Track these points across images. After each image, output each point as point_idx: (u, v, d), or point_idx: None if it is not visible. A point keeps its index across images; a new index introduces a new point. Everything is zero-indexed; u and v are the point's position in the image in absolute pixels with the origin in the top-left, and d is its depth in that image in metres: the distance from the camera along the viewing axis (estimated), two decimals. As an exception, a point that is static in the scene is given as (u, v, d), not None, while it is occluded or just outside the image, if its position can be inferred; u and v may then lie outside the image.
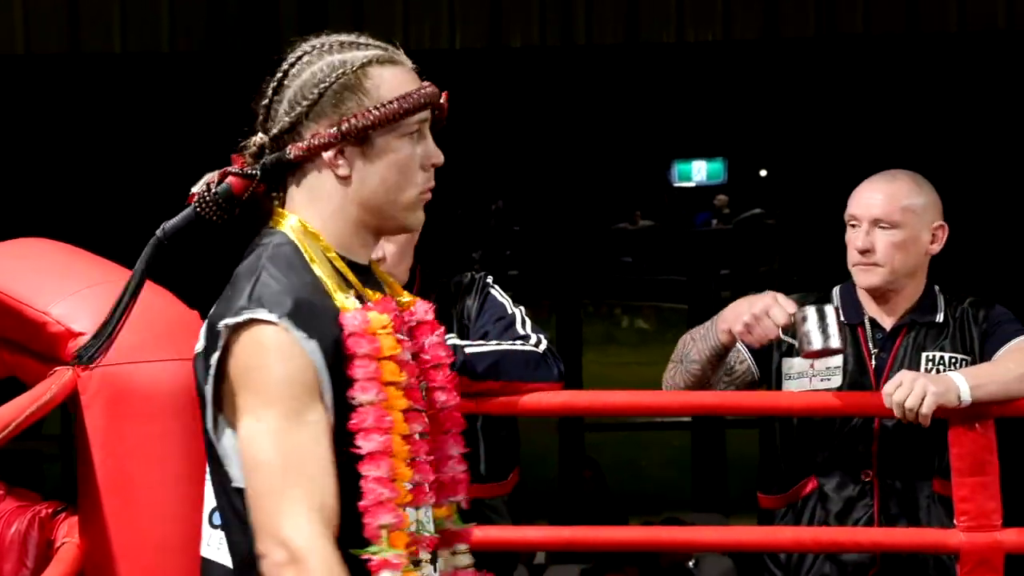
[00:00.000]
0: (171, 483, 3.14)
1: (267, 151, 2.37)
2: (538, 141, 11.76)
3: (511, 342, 3.36)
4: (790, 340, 3.39)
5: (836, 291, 3.69)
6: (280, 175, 2.37)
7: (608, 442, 13.22)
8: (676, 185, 12.44)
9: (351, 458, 2.26)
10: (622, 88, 11.00)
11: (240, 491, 2.26)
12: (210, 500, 2.44)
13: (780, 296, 3.39)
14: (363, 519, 2.25)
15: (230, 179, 2.36)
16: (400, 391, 2.31)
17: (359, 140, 2.35)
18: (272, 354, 2.23)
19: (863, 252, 3.56)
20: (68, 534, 3.22)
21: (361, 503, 2.25)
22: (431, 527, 2.36)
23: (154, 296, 3.24)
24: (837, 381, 3.54)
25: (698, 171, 12.38)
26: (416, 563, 2.30)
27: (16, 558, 3.22)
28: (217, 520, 2.42)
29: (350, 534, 2.24)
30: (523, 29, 10.54)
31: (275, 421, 2.22)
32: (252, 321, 2.24)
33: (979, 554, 3.30)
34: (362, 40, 2.41)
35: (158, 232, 2.37)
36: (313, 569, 2.17)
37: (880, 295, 3.59)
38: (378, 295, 2.39)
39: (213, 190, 2.36)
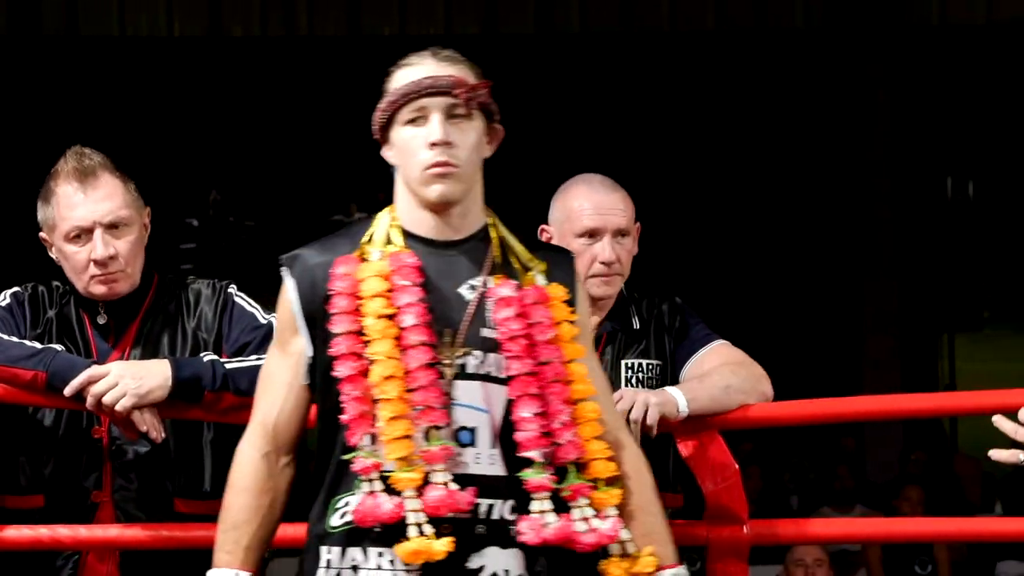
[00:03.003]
0: None
1: None
2: (259, 131, 11.66)
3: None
4: None
5: None
6: None
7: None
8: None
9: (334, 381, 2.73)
10: (344, 80, 10.98)
11: None
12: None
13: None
14: (347, 431, 2.71)
15: None
16: (393, 325, 2.70)
17: (382, 134, 2.79)
18: (280, 295, 2.80)
19: (610, 264, 3.60)
20: None
21: (343, 417, 2.71)
22: (444, 442, 2.69)
23: None
24: None
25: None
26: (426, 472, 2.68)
27: None
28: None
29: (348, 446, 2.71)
30: (244, 19, 10.44)
31: (270, 350, 2.86)
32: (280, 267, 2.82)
33: (725, 545, 3.43)
34: (431, 49, 2.81)
35: None
36: (233, 464, 2.82)
37: (593, 302, 3.61)
38: (406, 250, 2.75)
39: None
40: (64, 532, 3.24)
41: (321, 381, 2.76)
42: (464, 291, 2.77)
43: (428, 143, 2.73)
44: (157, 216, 3.39)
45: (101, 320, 3.33)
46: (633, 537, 2.81)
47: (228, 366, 3.18)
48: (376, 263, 2.75)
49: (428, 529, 2.66)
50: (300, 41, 10.48)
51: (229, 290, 3.38)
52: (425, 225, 2.79)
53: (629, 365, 3.58)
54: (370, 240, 2.78)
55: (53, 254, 3.35)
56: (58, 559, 3.30)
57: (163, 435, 3.18)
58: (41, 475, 3.32)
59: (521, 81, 11.41)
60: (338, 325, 2.72)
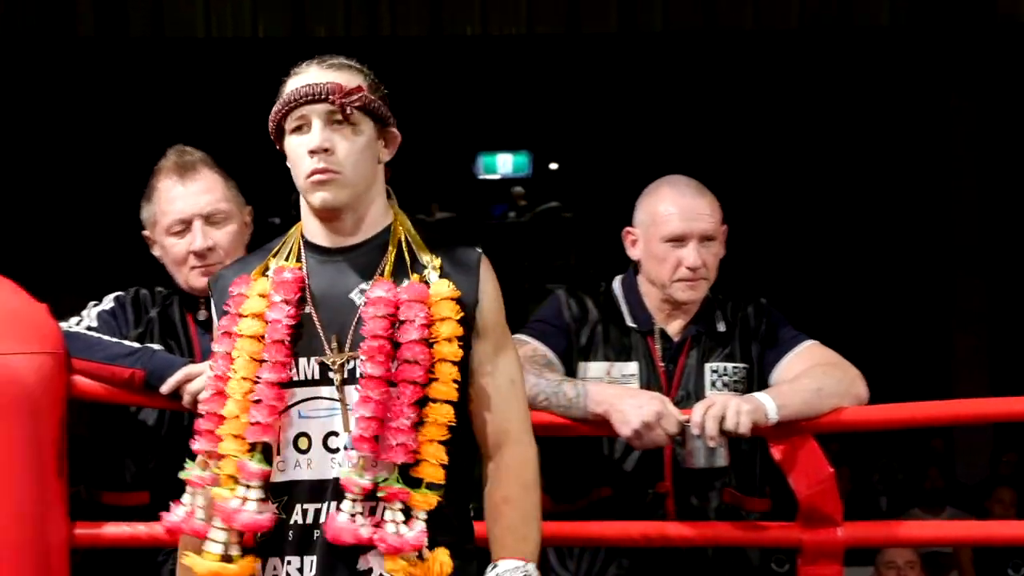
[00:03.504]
0: (19, 478, 3.06)
1: None
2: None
3: None
4: (679, 448, 3.38)
5: (618, 291, 3.62)
6: None
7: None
8: (481, 177, 12.48)
9: None
10: (427, 80, 11.01)
11: None
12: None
13: (668, 402, 3.32)
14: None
15: None
16: (257, 342, 2.76)
17: (278, 141, 2.82)
18: None
19: (695, 269, 3.56)
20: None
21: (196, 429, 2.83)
22: (259, 462, 2.75)
23: (-1, 288, 3.16)
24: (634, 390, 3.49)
25: (503, 164, 12.45)
26: (246, 487, 2.75)
27: None
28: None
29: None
30: (327, 20, 10.48)
31: None
32: None
33: (819, 547, 3.40)
34: (318, 56, 2.81)
35: None
36: None
37: (679, 305, 3.59)
38: (293, 265, 2.79)
39: None
40: (161, 529, 3.26)
41: None
42: (355, 296, 2.79)
43: (308, 150, 2.75)
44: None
45: (202, 316, 3.37)
46: (494, 530, 2.80)
47: None
48: (260, 282, 2.81)
49: (234, 551, 2.77)
50: (383, 41, 10.50)
51: None
52: (320, 233, 2.82)
53: (714, 369, 3.54)
54: (276, 253, 2.84)
55: (156, 252, 3.40)
56: (159, 554, 3.33)
57: None
58: (146, 472, 3.36)
59: (604, 80, 11.39)
60: (216, 344, 2.83)
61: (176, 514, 2.84)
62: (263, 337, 2.77)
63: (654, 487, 3.49)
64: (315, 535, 2.75)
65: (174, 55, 10.71)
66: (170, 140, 3.51)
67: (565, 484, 3.57)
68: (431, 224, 13.54)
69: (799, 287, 11.03)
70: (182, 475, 2.85)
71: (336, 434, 2.75)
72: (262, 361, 2.77)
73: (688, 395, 3.48)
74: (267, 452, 2.81)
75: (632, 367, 3.52)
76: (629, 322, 3.56)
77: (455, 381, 2.75)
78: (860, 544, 3.61)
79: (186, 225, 3.34)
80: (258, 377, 2.76)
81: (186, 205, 3.34)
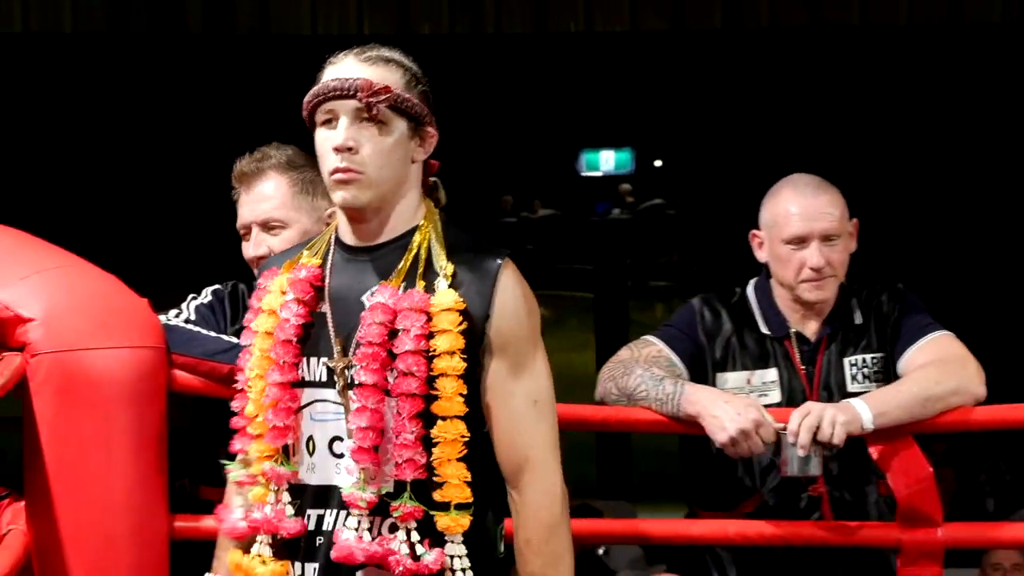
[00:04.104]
0: (121, 471, 3.11)
1: None
2: (447, 128, 11.70)
3: None
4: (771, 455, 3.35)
5: (752, 296, 3.61)
6: None
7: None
8: (584, 175, 12.47)
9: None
10: (531, 77, 11.01)
11: None
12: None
13: (764, 409, 3.30)
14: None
15: None
16: (271, 340, 2.73)
17: (312, 130, 2.75)
18: None
19: (819, 269, 3.51)
20: (13, 520, 3.19)
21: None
22: (282, 463, 2.73)
23: (103, 283, 3.21)
24: (776, 396, 3.50)
25: (606, 161, 12.44)
26: (277, 490, 2.74)
27: (-41, 544, 3.17)
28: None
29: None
30: (432, 17, 10.52)
31: None
32: None
33: (918, 548, 3.37)
34: (356, 47, 2.75)
35: None
36: None
37: (811, 305, 3.57)
38: (312, 261, 2.74)
39: None
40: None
41: None
42: (366, 299, 2.70)
43: (332, 147, 2.67)
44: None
45: None
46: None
47: None
48: (282, 277, 2.78)
49: (265, 550, 2.74)
50: (487, 38, 10.52)
51: None
52: (347, 231, 2.76)
53: (852, 362, 3.51)
54: (311, 247, 2.81)
55: None
56: None
57: None
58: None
59: (708, 77, 11.34)
60: (244, 338, 2.84)
61: (235, 515, 2.83)
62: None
63: (807, 491, 3.47)
64: (318, 542, 2.70)
65: (280, 52, 10.81)
66: (278, 136, 3.55)
67: (717, 495, 3.56)
68: (534, 221, 13.58)
69: (924, 283, 10.93)
70: (231, 477, 2.85)
71: (341, 439, 2.68)
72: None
73: (830, 393, 3.46)
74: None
75: (772, 374, 3.50)
76: (764, 329, 3.55)
77: (462, 395, 2.64)
78: (960, 545, 3.59)
79: (248, 231, 3.39)
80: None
81: (246, 212, 3.40)
